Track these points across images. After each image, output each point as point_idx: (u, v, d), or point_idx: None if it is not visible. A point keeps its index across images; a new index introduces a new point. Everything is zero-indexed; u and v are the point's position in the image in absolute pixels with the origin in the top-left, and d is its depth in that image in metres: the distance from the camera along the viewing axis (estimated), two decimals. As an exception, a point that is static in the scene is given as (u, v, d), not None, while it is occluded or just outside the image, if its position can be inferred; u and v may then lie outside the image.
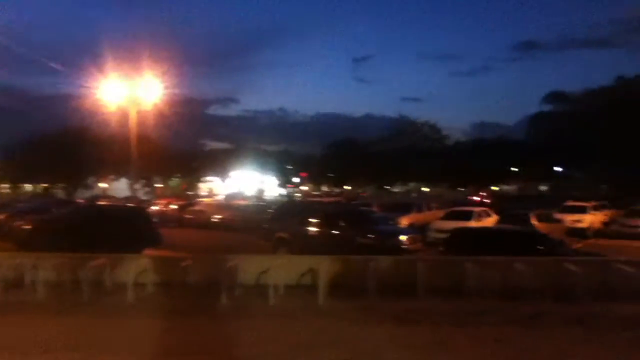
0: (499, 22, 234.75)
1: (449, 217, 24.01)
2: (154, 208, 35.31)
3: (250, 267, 12.06)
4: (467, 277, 10.67)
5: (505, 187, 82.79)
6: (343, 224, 17.44)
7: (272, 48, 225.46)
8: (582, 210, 27.64)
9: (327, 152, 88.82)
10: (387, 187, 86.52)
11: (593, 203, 29.52)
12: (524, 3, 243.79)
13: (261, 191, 74.19)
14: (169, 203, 38.24)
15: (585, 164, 53.22)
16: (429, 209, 29.87)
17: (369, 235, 16.73)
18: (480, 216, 23.99)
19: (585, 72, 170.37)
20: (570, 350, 7.86)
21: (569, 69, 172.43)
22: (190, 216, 33.25)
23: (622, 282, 10.26)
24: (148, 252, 15.47)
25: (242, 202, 39.19)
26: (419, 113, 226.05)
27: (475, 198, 50.20)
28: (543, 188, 76.55)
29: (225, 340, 8.35)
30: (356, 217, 18.80)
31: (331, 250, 14.18)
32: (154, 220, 19.49)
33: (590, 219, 27.05)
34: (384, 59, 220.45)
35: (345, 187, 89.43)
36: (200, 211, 33.54)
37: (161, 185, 79.51)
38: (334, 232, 17.32)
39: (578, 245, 21.15)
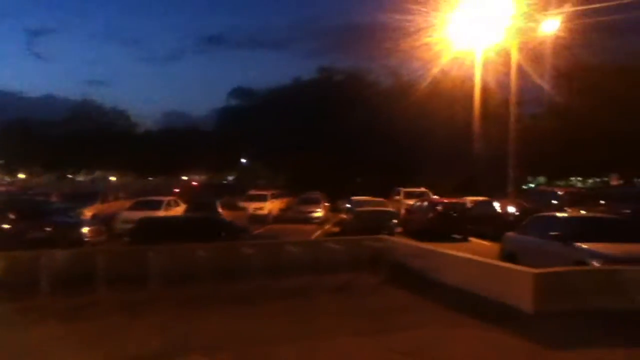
0: (187, 13, 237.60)
1: (137, 206, 23.42)
2: None
3: None
4: (149, 266, 10.56)
5: (195, 177, 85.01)
6: (12, 217, 15.57)
7: None
8: (263, 198, 30.30)
9: (-5, 134, 76.51)
10: (70, 176, 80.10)
11: (272, 192, 32.66)
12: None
13: None
14: None
15: (266, 156, 58.13)
16: (116, 198, 28.84)
17: (44, 229, 15.31)
18: (169, 205, 24.10)
19: (269, 71, 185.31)
20: (234, 324, 8.41)
21: (254, 66, 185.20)
22: None
23: (290, 260, 11.58)
24: None
25: None
26: (107, 98, 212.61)
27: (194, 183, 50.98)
28: (230, 178, 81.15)
29: None
30: (29, 209, 16.98)
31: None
32: None
33: (270, 206, 29.84)
34: (65, 36, 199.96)
35: (19, 175, 79.65)
36: None
37: None
38: (0, 225, 15.31)
39: (259, 230, 23.00)
